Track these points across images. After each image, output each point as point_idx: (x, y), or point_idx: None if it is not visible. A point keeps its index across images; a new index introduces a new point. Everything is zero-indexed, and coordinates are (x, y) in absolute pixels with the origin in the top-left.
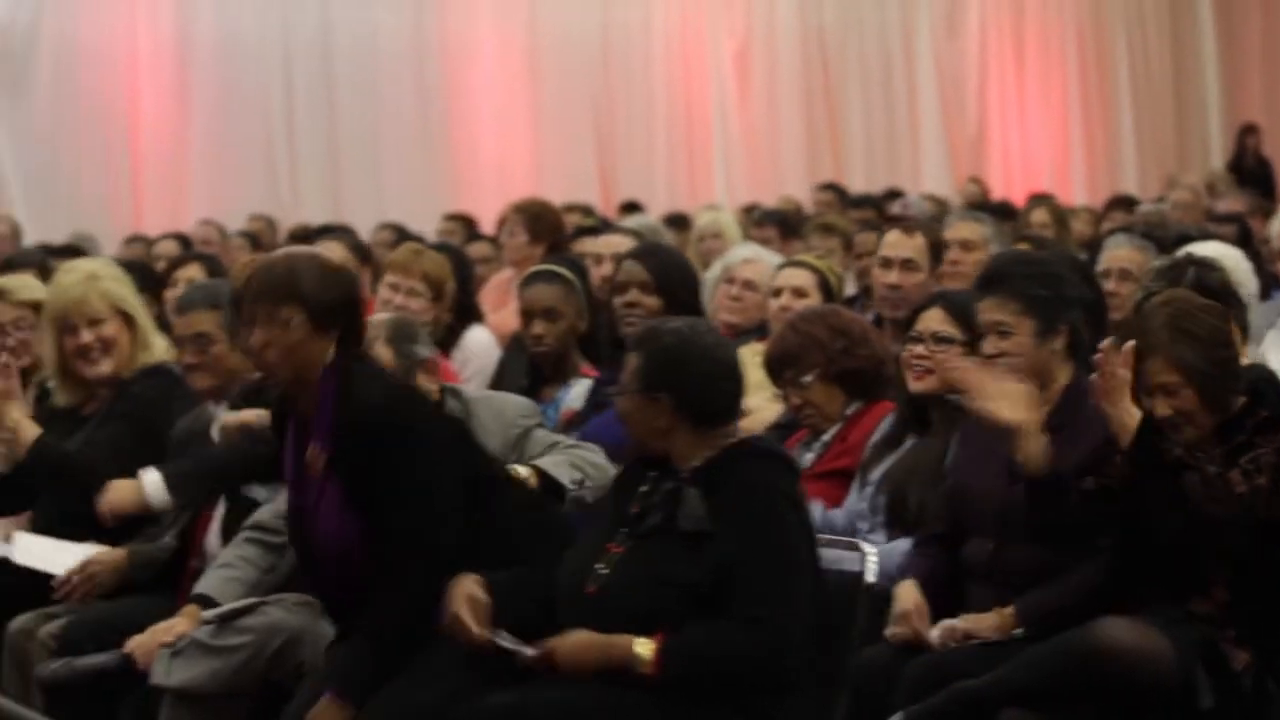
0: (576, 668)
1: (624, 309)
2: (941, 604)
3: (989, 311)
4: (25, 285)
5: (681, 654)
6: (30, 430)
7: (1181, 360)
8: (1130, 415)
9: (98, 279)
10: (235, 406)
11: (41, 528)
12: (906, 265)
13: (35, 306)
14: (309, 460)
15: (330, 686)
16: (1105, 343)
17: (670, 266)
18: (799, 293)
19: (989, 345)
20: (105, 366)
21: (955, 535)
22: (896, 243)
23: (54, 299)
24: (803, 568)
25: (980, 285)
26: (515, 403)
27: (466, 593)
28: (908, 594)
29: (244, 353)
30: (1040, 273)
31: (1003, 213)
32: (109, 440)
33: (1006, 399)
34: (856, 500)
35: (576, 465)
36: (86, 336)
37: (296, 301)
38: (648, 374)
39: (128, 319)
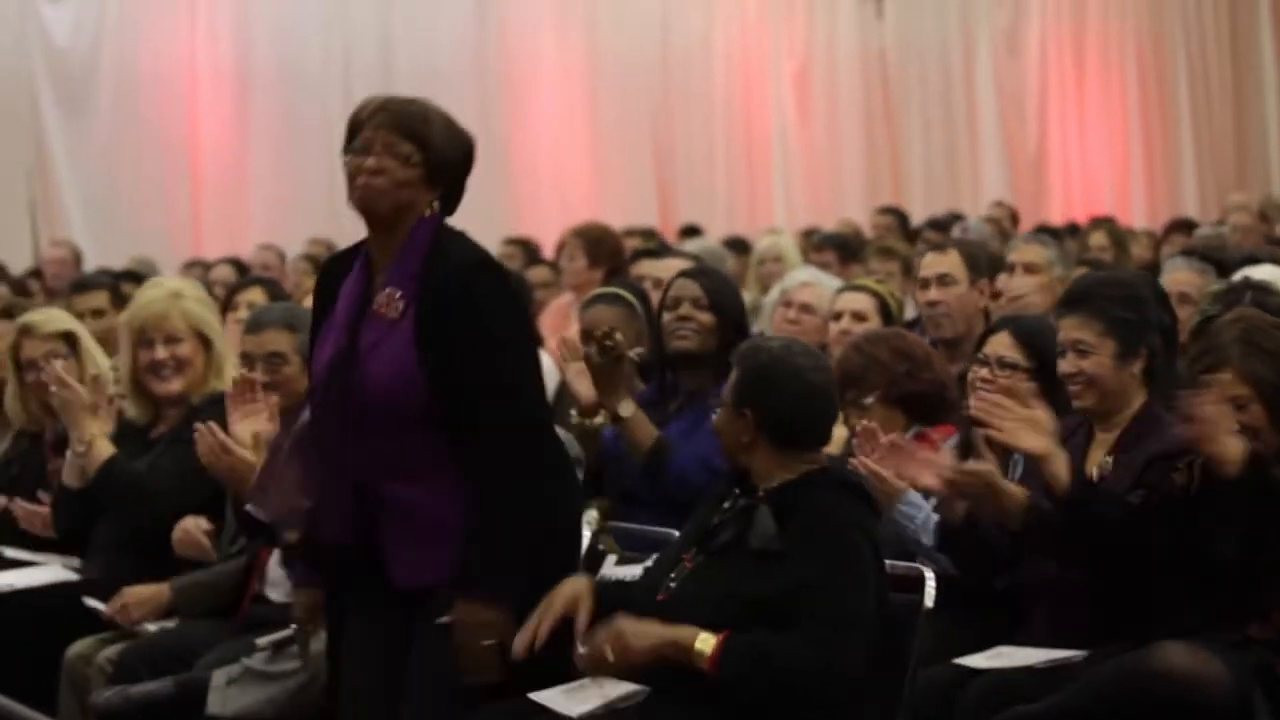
0: (636, 651)
1: (676, 323)
2: (998, 625)
3: (1071, 330)
4: (51, 319)
5: (742, 656)
6: (104, 450)
7: (1252, 374)
8: (1233, 447)
9: (181, 298)
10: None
11: (106, 545)
12: (943, 281)
13: (66, 337)
14: (381, 302)
15: (461, 590)
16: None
17: (722, 286)
18: (859, 316)
19: (1067, 364)
20: (175, 385)
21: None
22: (931, 262)
23: (134, 313)
24: (869, 600)
25: (1064, 303)
26: None
27: (578, 594)
28: None
29: (349, 172)
30: (1124, 295)
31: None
32: (174, 466)
33: (1026, 426)
34: (920, 520)
35: None
36: (161, 353)
37: (420, 142)
38: (740, 388)
39: (205, 342)
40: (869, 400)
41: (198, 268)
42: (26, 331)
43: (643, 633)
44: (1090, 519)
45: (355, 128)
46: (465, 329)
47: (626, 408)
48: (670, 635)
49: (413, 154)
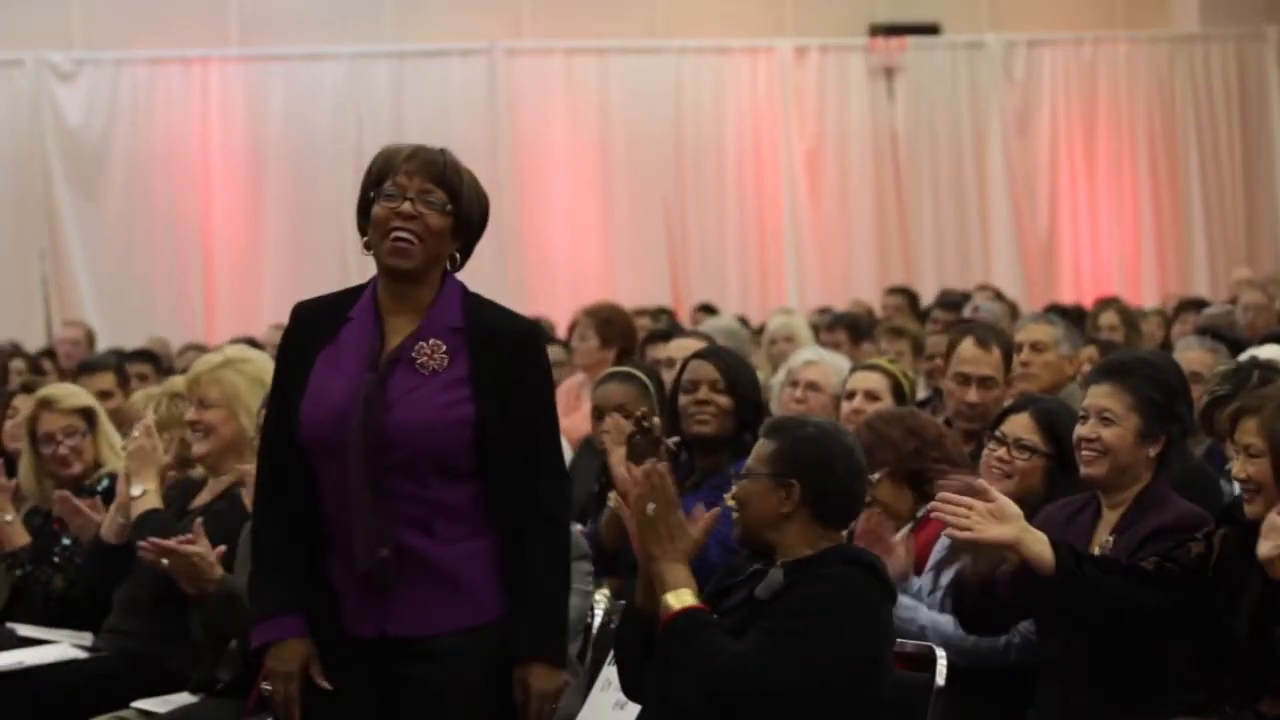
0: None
1: (694, 406)
2: (1010, 705)
3: (1102, 397)
4: (71, 394)
5: (686, 625)
6: (153, 501)
7: (1273, 430)
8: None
9: (227, 366)
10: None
11: (131, 600)
12: (985, 383)
13: (84, 413)
14: (424, 352)
15: (532, 655)
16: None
17: (739, 367)
18: (872, 396)
19: (1087, 429)
20: (200, 448)
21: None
22: (974, 359)
23: (190, 371)
24: (825, 657)
25: (1102, 370)
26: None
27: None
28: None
29: (380, 220)
30: (1158, 379)
31: (1063, 314)
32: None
33: (989, 520)
34: (927, 599)
35: None
36: (192, 414)
37: (452, 192)
38: (783, 460)
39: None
40: (876, 476)
41: (194, 352)
42: (46, 405)
43: (668, 524)
44: (1088, 590)
45: (382, 174)
46: (530, 386)
47: None
48: (664, 565)
49: (446, 203)
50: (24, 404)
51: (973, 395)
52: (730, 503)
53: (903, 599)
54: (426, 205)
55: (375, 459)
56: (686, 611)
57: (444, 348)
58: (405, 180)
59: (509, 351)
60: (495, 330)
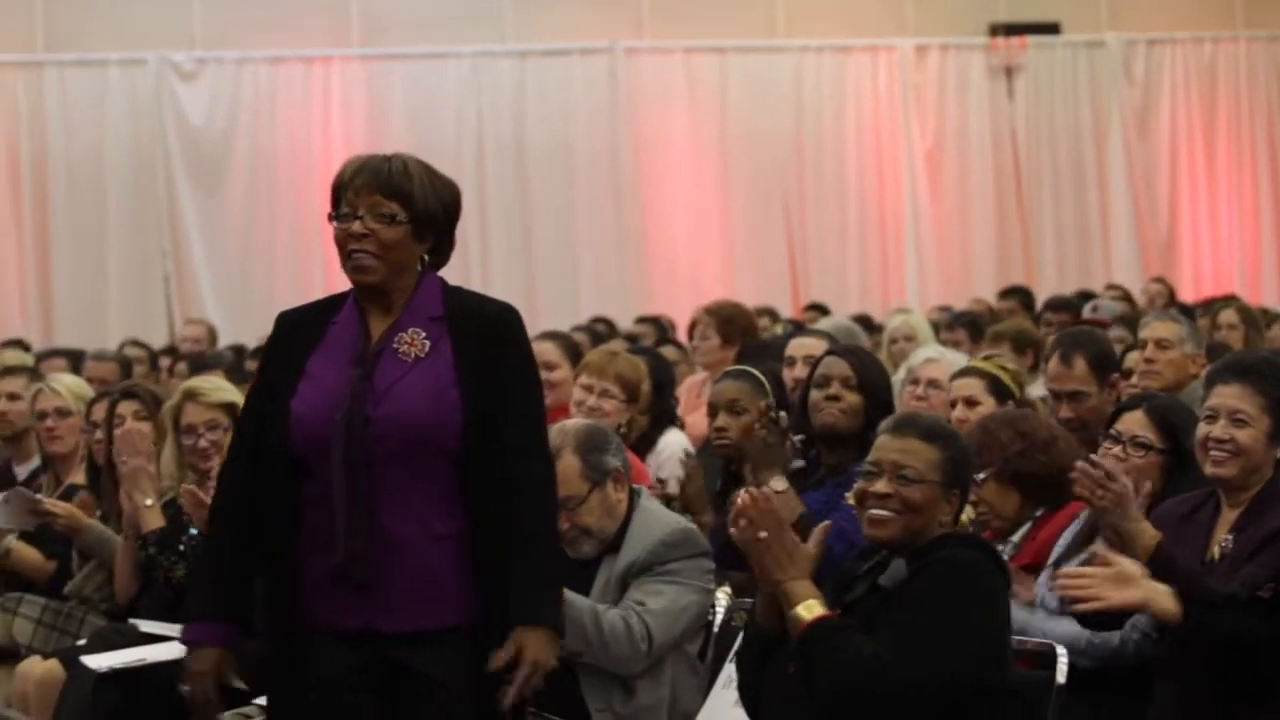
0: (771, 536)
1: (824, 401)
2: (1128, 705)
3: (1230, 397)
4: (218, 388)
5: (821, 636)
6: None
7: None
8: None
9: None
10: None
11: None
12: (1074, 398)
13: (228, 408)
14: (404, 341)
15: (534, 622)
16: None
17: (871, 366)
18: (970, 402)
19: (1219, 429)
20: None
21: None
22: (1058, 376)
23: None
24: (953, 645)
25: (1228, 371)
26: (669, 527)
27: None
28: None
29: (338, 240)
30: None
31: (1184, 311)
32: None
33: (1113, 584)
34: (1047, 595)
35: (594, 635)
36: None
37: (403, 199)
38: (952, 469)
39: None
40: (981, 476)
41: None
42: (191, 396)
43: (783, 546)
44: (1215, 634)
45: (336, 194)
46: (512, 366)
47: (780, 483)
48: (791, 583)
49: (398, 212)
50: (127, 409)
51: (1065, 411)
52: (850, 500)
53: (1019, 609)
54: (377, 220)
55: (358, 451)
56: (819, 622)
57: (424, 334)
58: (354, 197)
59: (489, 334)
60: (473, 314)
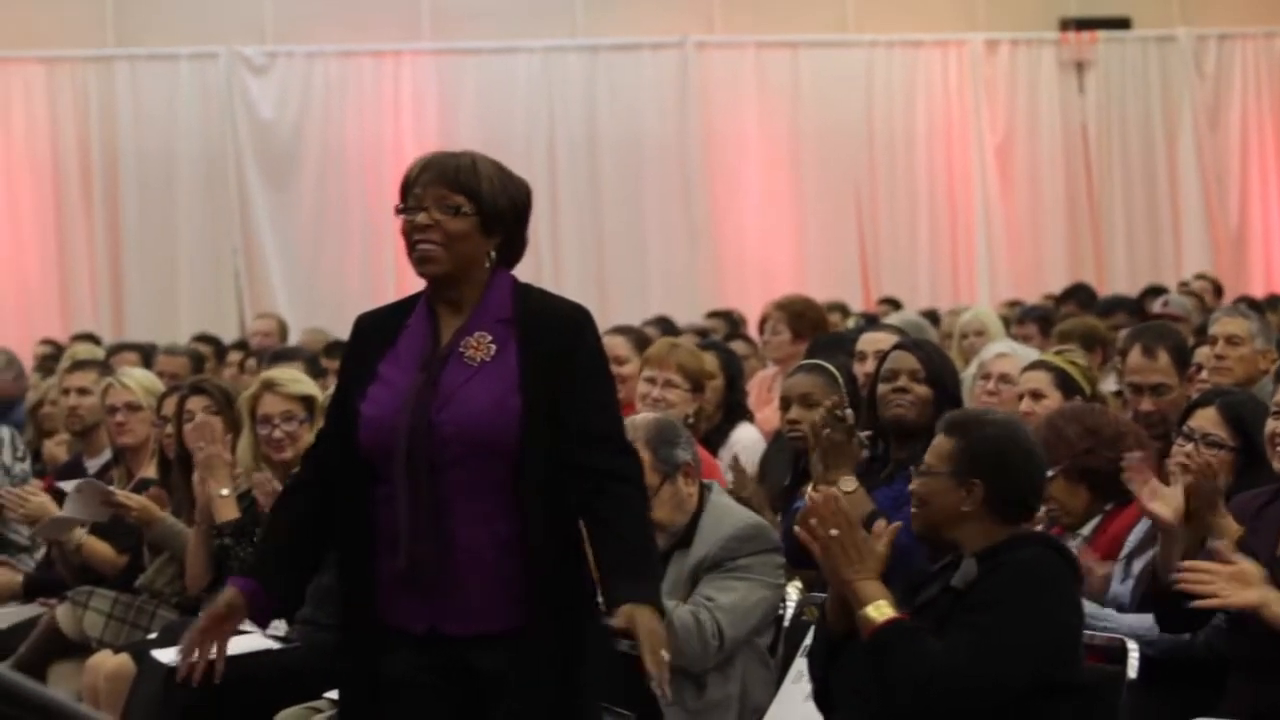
0: (839, 531)
1: (892, 394)
2: (1201, 697)
3: None
4: (296, 379)
5: (888, 642)
6: (224, 510)
7: None
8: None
9: None
10: None
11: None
12: (1156, 390)
13: (305, 401)
14: (471, 345)
15: (631, 597)
16: None
17: (939, 359)
18: (1036, 395)
19: None
20: None
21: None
22: (1140, 369)
23: None
24: (1024, 644)
25: None
26: (739, 522)
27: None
28: None
29: (404, 233)
30: None
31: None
32: None
33: (1236, 584)
34: (1119, 588)
35: (688, 622)
36: None
37: (470, 193)
38: (966, 459)
39: None
40: (1050, 474)
41: None
42: (269, 387)
43: (854, 545)
44: None
45: (404, 189)
46: (583, 365)
47: (849, 482)
48: (857, 585)
49: (464, 205)
50: (196, 404)
51: (1147, 404)
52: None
53: (1091, 607)
54: (443, 211)
55: (422, 455)
56: (889, 623)
57: (489, 338)
58: (421, 191)
59: (558, 335)
60: (542, 315)
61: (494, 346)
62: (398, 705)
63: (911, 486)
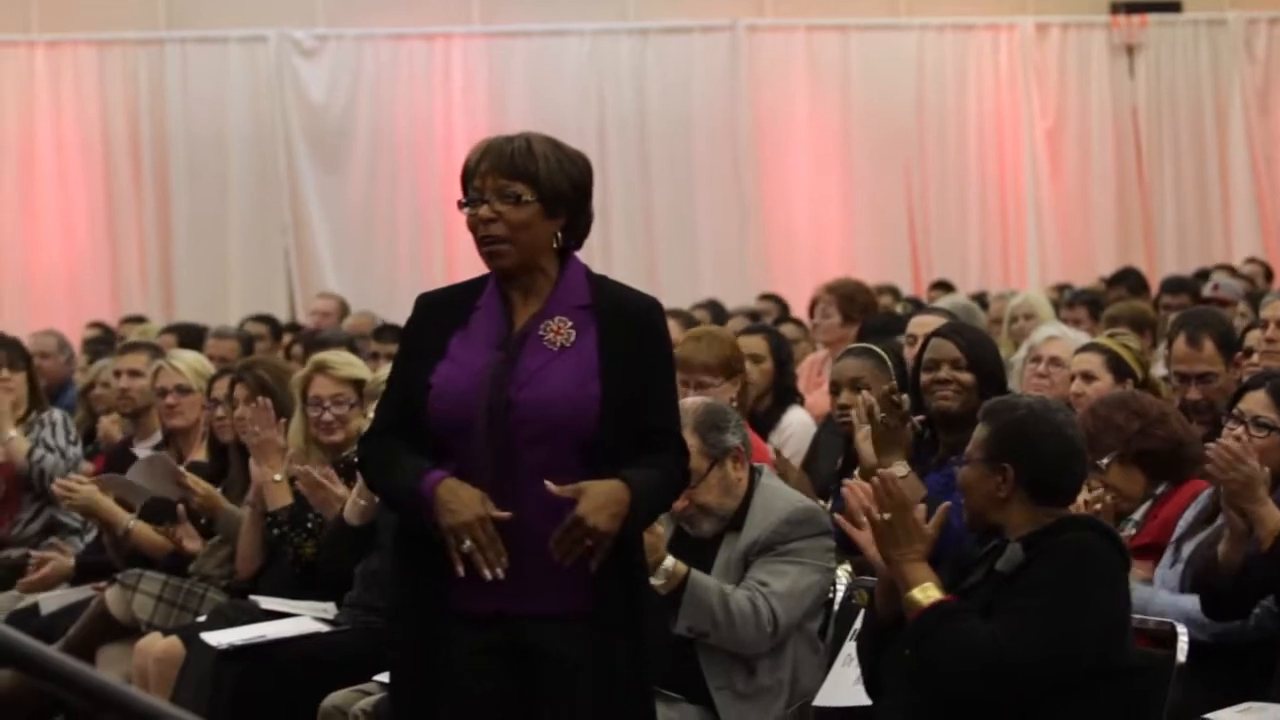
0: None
1: (935, 385)
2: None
3: None
4: (348, 363)
5: (939, 618)
6: (277, 495)
7: None
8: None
9: None
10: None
11: (373, 575)
12: (1203, 379)
13: (356, 384)
14: (552, 329)
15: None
16: None
17: (980, 343)
18: (1088, 376)
19: None
20: None
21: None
22: (1186, 358)
23: None
24: (1075, 627)
25: None
26: (791, 504)
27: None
28: None
29: (470, 227)
30: None
31: None
32: None
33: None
34: (1168, 574)
35: (723, 616)
36: None
37: (530, 179)
38: (995, 444)
39: None
40: (1105, 461)
41: None
42: (321, 369)
43: (904, 527)
44: None
45: (465, 180)
46: (655, 361)
47: (901, 468)
48: (905, 566)
49: (524, 192)
50: (241, 392)
51: (1194, 393)
52: None
53: (1140, 587)
54: (504, 201)
55: (501, 436)
56: (935, 605)
57: (570, 323)
58: (480, 182)
59: (634, 327)
60: (619, 305)
61: (574, 332)
62: (454, 688)
63: (960, 475)
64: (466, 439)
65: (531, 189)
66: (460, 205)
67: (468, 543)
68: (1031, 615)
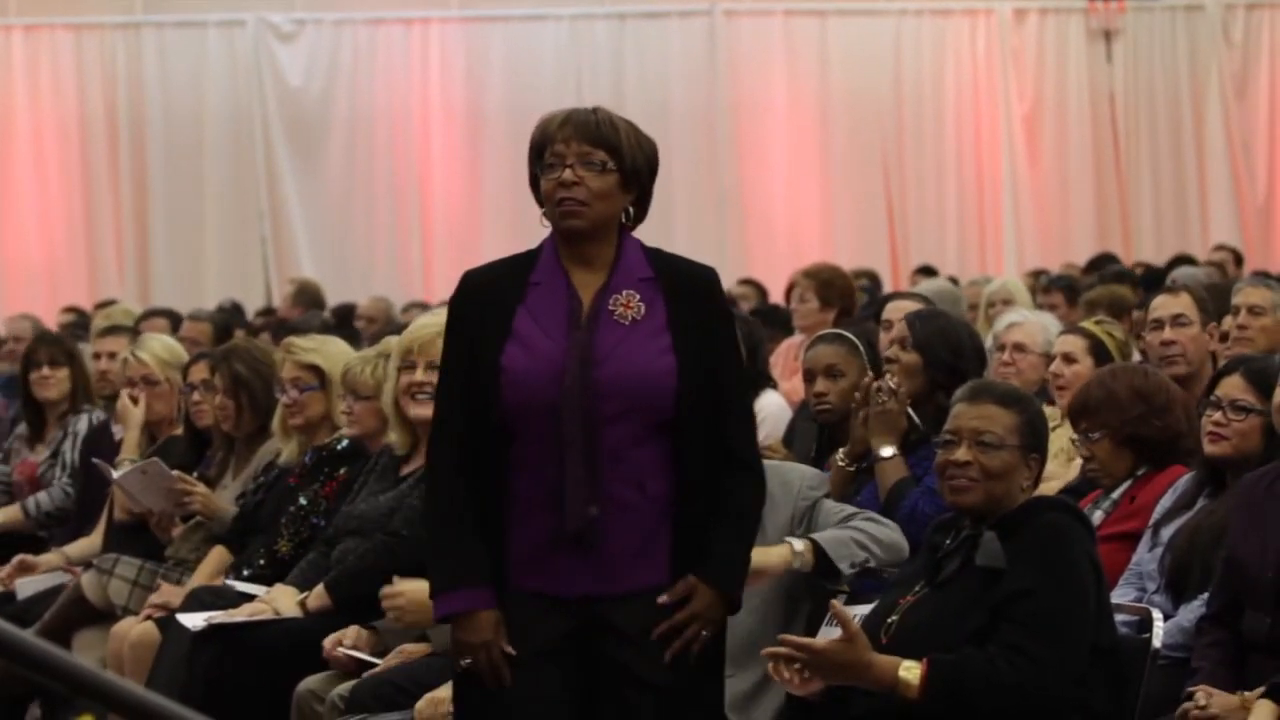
0: (840, 678)
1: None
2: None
3: None
4: (312, 348)
5: (946, 680)
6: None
7: None
8: None
9: None
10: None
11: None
12: (1178, 320)
13: (316, 370)
14: (621, 303)
15: (711, 582)
16: None
17: (930, 324)
18: (1068, 359)
19: None
20: (425, 410)
21: (1234, 607)
22: (1164, 303)
23: (406, 335)
24: (1081, 616)
25: None
26: (802, 473)
27: None
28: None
29: (548, 192)
30: None
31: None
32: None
33: None
34: (1146, 557)
35: (861, 543)
36: (419, 375)
37: (611, 149)
38: (1029, 434)
39: None
40: (1096, 435)
41: (418, 309)
42: (289, 351)
43: (842, 670)
44: None
45: (541, 146)
46: (720, 330)
47: (889, 450)
48: (872, 671)
49: (607, 160)
50: (202, 371)
51: (1167, 333)
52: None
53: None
54: (586, 167)
55: (589, 415)
56: (929, 670)
57: (638, 297)
58: (563, 148)
59: (698, 296)
60: (681, 276)
61: (643, 305)
62: (527, 674)
63: (976, 458)
64: (542, 421)
65: (614, 158)
66: (532, 178)
67: (468, 660)
68: (1040, 623)
